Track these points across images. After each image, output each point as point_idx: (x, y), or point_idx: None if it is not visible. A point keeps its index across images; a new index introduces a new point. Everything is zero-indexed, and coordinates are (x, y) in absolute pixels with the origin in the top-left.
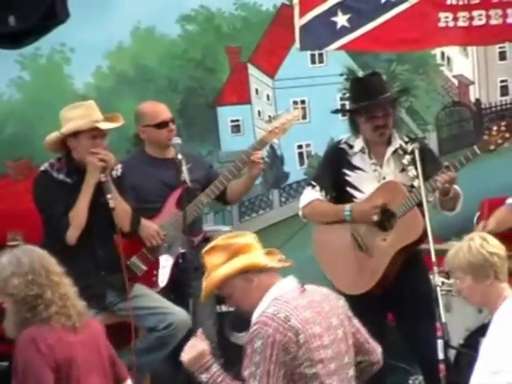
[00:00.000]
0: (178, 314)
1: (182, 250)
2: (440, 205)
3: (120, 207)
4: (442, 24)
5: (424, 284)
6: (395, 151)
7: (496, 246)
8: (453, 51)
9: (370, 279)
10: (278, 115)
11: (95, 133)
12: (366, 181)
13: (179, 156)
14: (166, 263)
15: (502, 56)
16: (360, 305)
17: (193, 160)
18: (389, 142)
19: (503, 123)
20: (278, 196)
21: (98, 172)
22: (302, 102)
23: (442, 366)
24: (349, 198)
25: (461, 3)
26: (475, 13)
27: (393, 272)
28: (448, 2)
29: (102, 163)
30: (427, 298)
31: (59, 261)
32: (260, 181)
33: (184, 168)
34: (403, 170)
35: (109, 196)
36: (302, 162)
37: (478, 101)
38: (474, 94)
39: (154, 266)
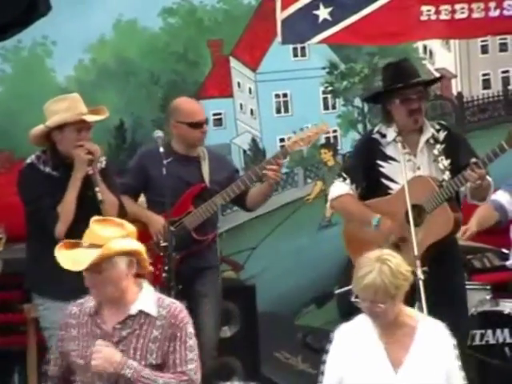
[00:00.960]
0: None
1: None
2: (471, 194)
3: (108, 200)
4: (424, 17)
5: (458, 275)
6: (428, 140)
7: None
8: (435, 44)
9: None
10: (306, 127)
11: (81, 125)
12: (400, 171)
13: (161, 149)
14: (171, 259)
15: (484, 49)
16: None
17: (218, 161)
18: (421, 131)
19: None
20: None
21: (86, 165)
22: (285, 95)
23: None
24: (384, 190)
25: None
26: (457, 6)
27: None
28: None
29: (88, 156)
30: (461, 289)
31: (46, 255)
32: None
33: (204, 166)
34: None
35: (97, 189)
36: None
37: (460, 94)
38: (456, 87)
39: (160, 260)
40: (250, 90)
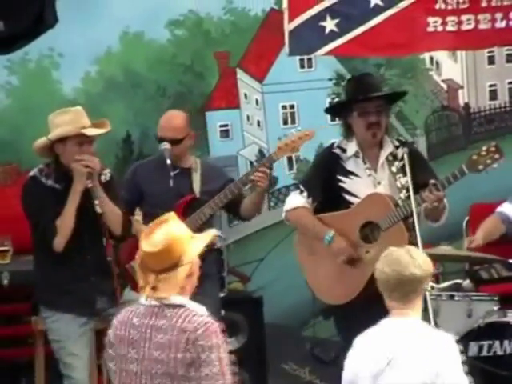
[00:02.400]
0: None
1: None
2: (425, 214)
3: (110, 211)
4: (430, 28)
5: None
6: (387, 156)
7: None
8: (442, 56)
9: (350, 291)
10: (290, 133)
11: (82, 139)
12: (361, 186)
13: (168, 161)
14: None
15: (491, 60)
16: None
17: (211, 172)
18: (381, 146)
19: (493, 144)
20: (266, 201)
21: (85, 178)
22: (291, 106)
23: None
24: (346, 204)
25: (449, 8)
26: (464, 17)
27: (374, 284)
28: (437, 7)
29: (87, 169)
30: None
31: (53, 267)
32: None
33: (195, 177)
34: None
35: (96, 202)
36: (290, 167)
37: (466, 105)
38: (462, 98)
39: None
40: (256, 101)
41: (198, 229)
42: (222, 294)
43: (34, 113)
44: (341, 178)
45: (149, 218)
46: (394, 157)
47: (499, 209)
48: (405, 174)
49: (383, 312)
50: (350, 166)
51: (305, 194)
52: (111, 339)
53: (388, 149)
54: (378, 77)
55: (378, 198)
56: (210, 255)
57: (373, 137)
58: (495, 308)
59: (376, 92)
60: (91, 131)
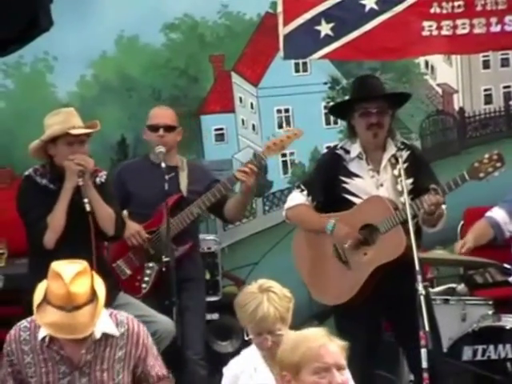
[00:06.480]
0: (162, 322)
1: (166, 259)
2: (422, 220)
3: (104, 212)
4: (425, 33)
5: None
6: (390, 158)
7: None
8: (437, 60)
9: (346, 292)
10: (279, 133)
11: (71, 139)
12: (364, 188)
13: (163, 165)
14: (151, 270)
15: (486, 65)
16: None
17: (197, 172)
18: (384, 149)
19: (495, 152)
20: (261, 205)
21: (76, 176)
22: (286, 110)
23: (425, 375)
24: (348, 206)
25: (444, 12)
26: (459, 21)
27: (370, 286)
28: (432, 11)
29: (78, 167)
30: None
31: (41, 265)
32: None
33: (182, 175)
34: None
35: (85, 200)
36: (285, 171)
37: (461, 109)
38: (457, 102)
39: (139, 271)
40: (251, 105)
41: (186, 228)
42: (216, 298)
43: (28, 116)
44: (343, 178)
45: (136, 217)
46: (397, 159)
47: (489, 213)
48: (406, 177)
49: (381, 312)
50: (353, 167)
51: (305, 192)
52: None
53: (391, 151)
54: (379, 80)
55: (378, 201)
56: (197, 259)
57: (374, 137)
58: (489, 312)
59: (376, 91)
60: (77, 131)
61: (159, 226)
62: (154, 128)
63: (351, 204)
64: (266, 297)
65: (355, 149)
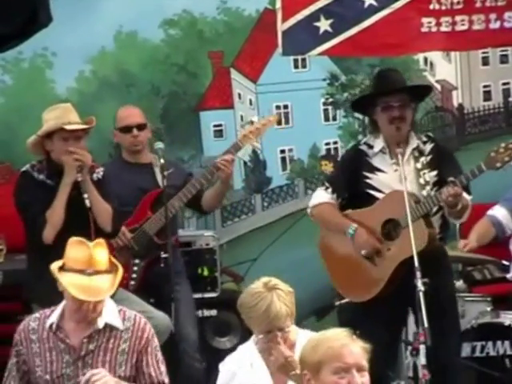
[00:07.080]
0: (160, 318)
1: (165, 255)
2: (447, 212)
3: (101, 208)
4: (424, 29)
5: (449, 287)
6: (413, 151)
7: None
8: (436, 56)
9: (372, 288)
10: (254, 120)
11: (66, 134)
12: (388, 182)
13: (162, 161)
14: (137, 267)
15: (485, 61)
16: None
17: (172, 167)
18: (407, 142)
19: (511, 141)
20: (260, 201)
21: (75, 171)
22: (285, 106)
23: (424, 371)
24: (373, 201)
25: (444, 8)
26: (458, 18)
27: (396, 281)
28: (431, 7)
29: (77, 162)
30: (452, 301)
31: (40, 261)
32: (242, 186)
33: (158, 172)
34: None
35: (85, 195)
36: (284, 167)
37: (460, 106)
38: (456, 99)
39: (126, 268)
40: (250, 101)
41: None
42: (214, 294)
43: (27, 112)
44: (367, 174)
45: (119, 215)
46: (421, 152)
47: (490, 212)
48: (433, 169)
49: (402, 308)
50: (376, 162)
51: (329, 190)
52: None
53: (413, 144)
54: (401, 73)
55: (399, 196)
56: (178, 253)
57: (397, 131)
58: (488, 309)
59: (398, 84)
60: (71, 126)
61: (141, 222)
62: (127, 129)
63: (375, 199)
64: (275, 295)
65: (378, 143)
